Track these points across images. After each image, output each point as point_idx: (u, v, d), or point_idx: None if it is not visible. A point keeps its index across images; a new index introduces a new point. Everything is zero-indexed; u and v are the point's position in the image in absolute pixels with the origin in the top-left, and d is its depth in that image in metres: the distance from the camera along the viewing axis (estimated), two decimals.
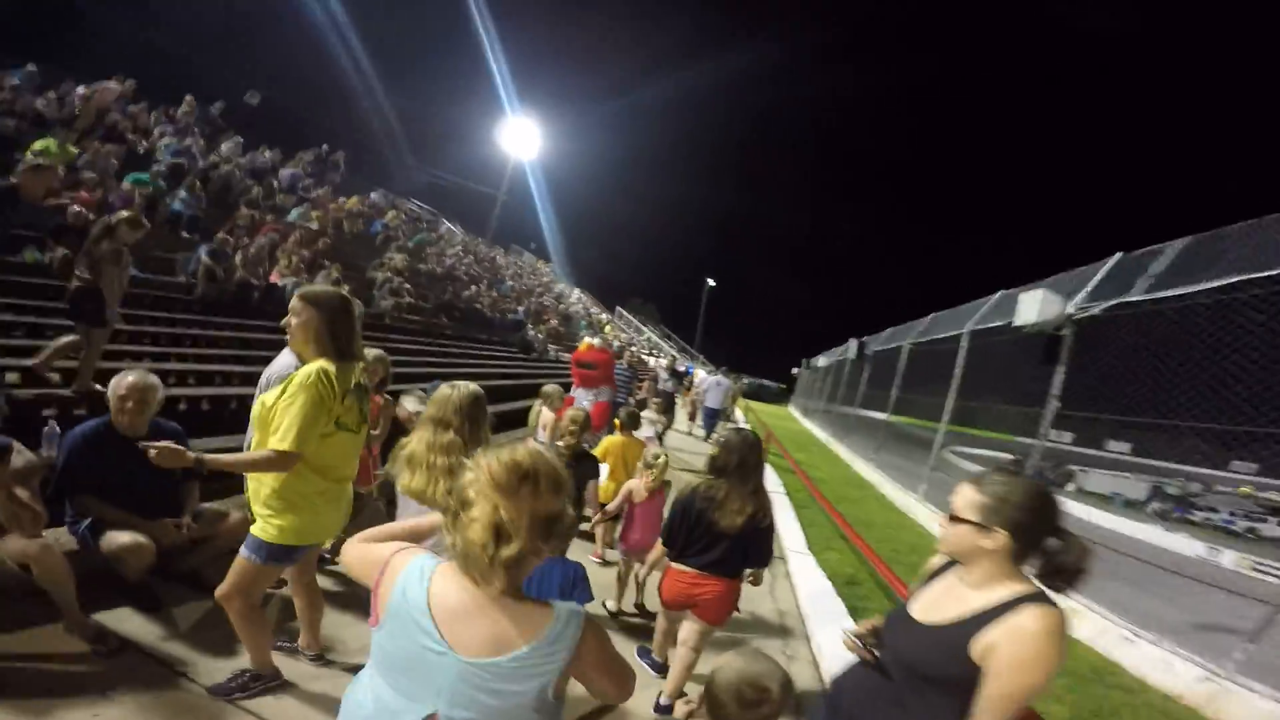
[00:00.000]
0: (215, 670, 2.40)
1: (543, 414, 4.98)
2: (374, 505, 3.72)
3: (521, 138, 28.90)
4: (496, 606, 1.06)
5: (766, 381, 49.41)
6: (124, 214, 5.17)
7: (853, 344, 14.81)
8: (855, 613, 4.31)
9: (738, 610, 3.10)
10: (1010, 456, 12.75)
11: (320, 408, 2.09)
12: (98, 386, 4.47)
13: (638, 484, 4.05)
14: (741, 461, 2.73)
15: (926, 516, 8.13)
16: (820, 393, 22.80)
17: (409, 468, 2.34)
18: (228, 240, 8.70)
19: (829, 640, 3.72)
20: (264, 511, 2.15)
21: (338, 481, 2.29)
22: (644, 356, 30.71)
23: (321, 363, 2.16)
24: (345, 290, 2.75)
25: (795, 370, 34.61)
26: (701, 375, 26.60)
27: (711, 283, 49.61)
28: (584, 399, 6.65)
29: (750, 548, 2.74)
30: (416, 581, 1.09)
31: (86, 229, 7.33)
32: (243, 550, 2.16)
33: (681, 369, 28.77)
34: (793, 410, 33.10)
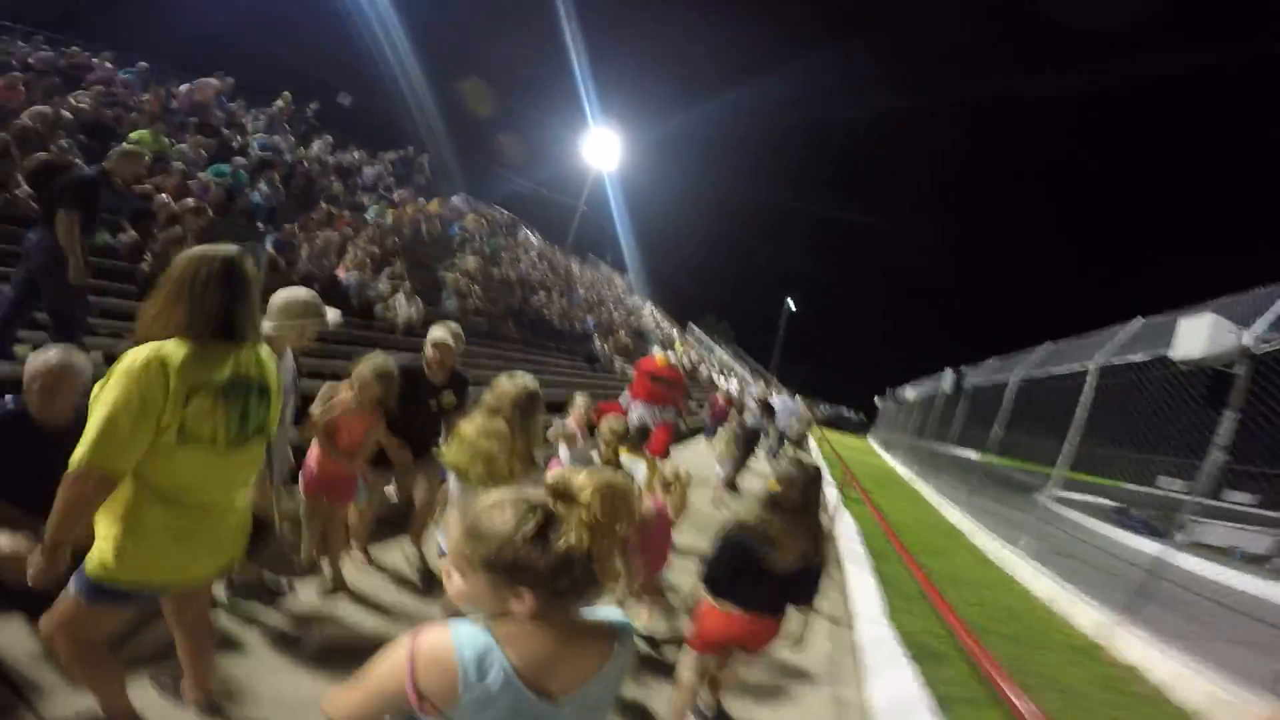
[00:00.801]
0: (70, 706, 1.90)
1: (566, 425, 4.34)
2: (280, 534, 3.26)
3: (603, 149, 28.96)
4: (569, 637, 1.05)
5: (845, 410, 47.11)
6: (190, 202, 5.35)
7: (948, 375, 13.40)
8: (946, 708, 3.38)
9: None
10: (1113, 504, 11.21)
11: (139, 410, 1.48)
12: None
13: (652, 507, 3.42)
14: (804, 499, 2.57)
15: (1028, 574, 6.89)
16: (905, 426, 21.11)
17: (457, 443, 2.66)
18: (295, 233, 8.76)
19: None
20: (99, 535, 1.58)
21: (198, 510, 1.67)
22: (714, 376, 29.88)
23: (159, 346, 1.55)
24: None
25: (878, 400, 32.59)
26: (775, 400, 25.56)
27: (791, 305, 48.01)
28: (647, 416, 5.99)
29: (798, 587, 2.60)
30: (488, 658, 0.98)
31: (155, 216, 7.59)
32: (70, 582, 1.60)
33: (774, 400, 27.67)
34: (872, 443, 31.08)
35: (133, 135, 8.89)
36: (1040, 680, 4.20)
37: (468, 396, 3.72)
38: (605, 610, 1.11)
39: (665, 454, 6.04)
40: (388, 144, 16.52)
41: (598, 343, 15.93)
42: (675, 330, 33.94)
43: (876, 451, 26.56)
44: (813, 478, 2.64)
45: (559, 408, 8.77)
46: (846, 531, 7.36)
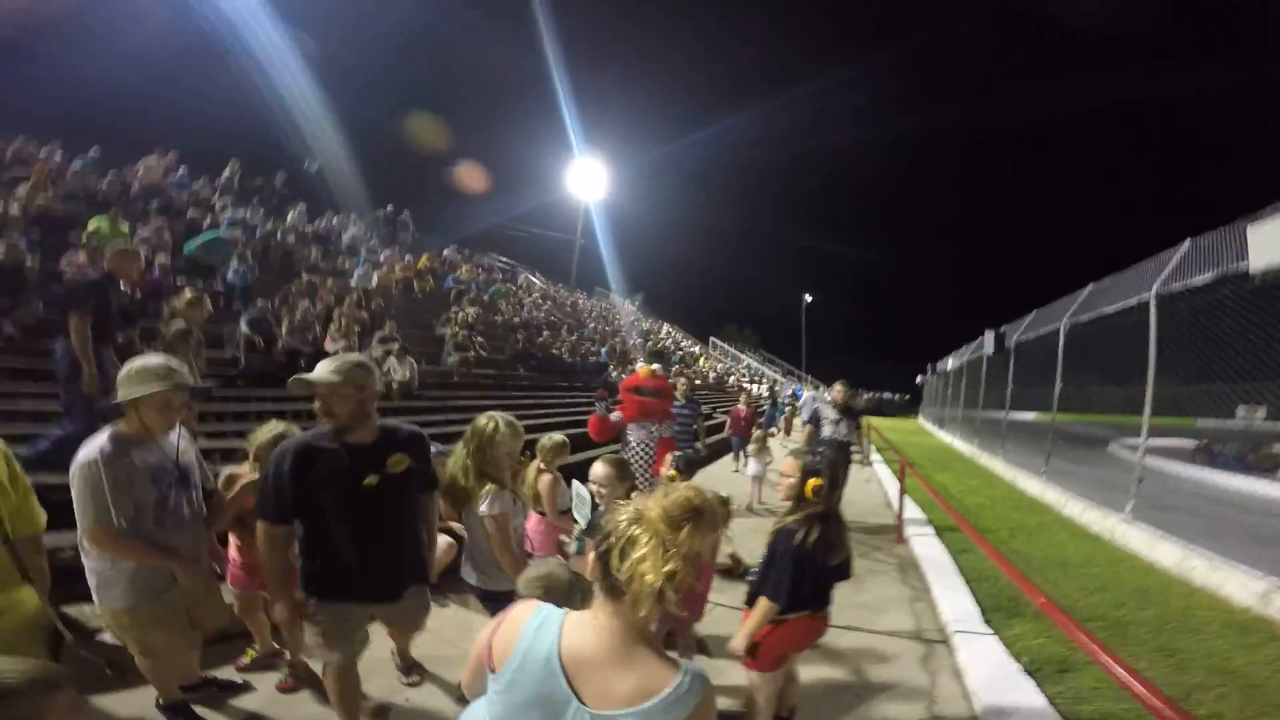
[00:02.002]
0: None
1: (541, 479, 3.63)
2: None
3: (590, 180, 28.71)
4: (630, 656, 1.06)
5: (887, 394, 45.59)
6: (187, 295, 5.19)
7: (988, 336, 12.33)
8: None
9: None
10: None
11: None
12: None
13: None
14: (834, 483, 2.51)
15: (1144, 543, 5.86)
16: (954, 399, 19.86)
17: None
18: (267, 309, 8.33)
19: None
20: None
21: None
22: (744, 384, 28.92)
23: None
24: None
25: (920, 378, 31.18)
26: (809, 396, 24.46)
27: (808, 298, 46.91)
28: (637, 436, 5.34)
29: (841, 568, 2.56)
30: (547, 630, 1.12)
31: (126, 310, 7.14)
32: None
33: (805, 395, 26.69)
34: (923, 422, 29.60)
35: (90, 225, 8.36)
36: (1211, 675, 3.27)
37: (428, 452, 2.58)
38: (691, 664, 1.08)
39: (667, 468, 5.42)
40: (365, 206, 16.29)
41: (614, 372, 15.25)
42: (696, 346, 33.17)
43: (929, 430, 25.21)
44: (836, 459, 2.64)
45: (588, 443, 8.12)
46: (917, 531, 6.43)
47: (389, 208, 16.54)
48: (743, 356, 38.24)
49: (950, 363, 20.26)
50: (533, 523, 3.57)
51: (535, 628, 1.11)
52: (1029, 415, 11.39)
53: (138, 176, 10.83)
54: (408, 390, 8.69)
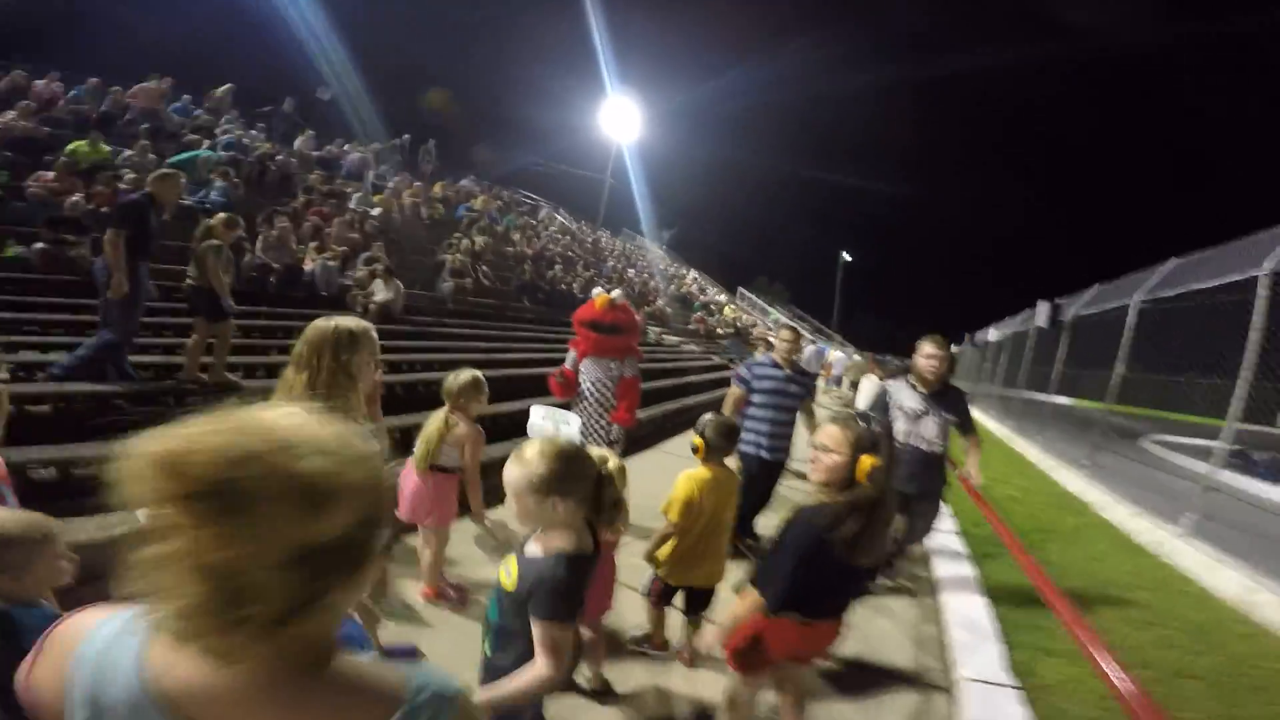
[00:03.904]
0: None
1: (456, 426, 2.89)
2: None
3: (624, 119, 27.06)
4: (278, 692, 0.61)
5: None
6: (221, 215, 5.40)
7: (1041, 308, 11.04)
8: None
9: None
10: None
11: None
12: (231, 377, 5.14)
13: None
14: (892, 461, 1.90)
15: (1201, 564, 4.94)
16: (992, 374, 18.58)
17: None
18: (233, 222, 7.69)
19: None
20: None
21: None
22: (769, 338, 27.81)
23: None
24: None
25: (955, 348, 29.54)
26: (838, 355, 23.32)
27: (847, 256, 44.79)
28: (593, 374, 4.31)
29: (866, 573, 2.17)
30: (116, 658, 0.63)
31: (80, 220, 6.64)
32: None
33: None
34: None
35: (69, 146, 8.12)
36: None
37: None
38: (422, 676, 0.67)
39: (632, 422, 4.43)
40: (383, 136, 15.43)
41: None
42: (722, 295, 31.97)
43: None
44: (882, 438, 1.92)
45: None
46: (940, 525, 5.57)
47: (405, 136, 15.67)
48: (771, 310, 36.89)
49: (992, 334, 18.86)
50: (412, 482, 2.84)
51: (97, 656, 0.63)
52: (1064, 400, 10.42)
53: (133, 101, 10.44)
54: (388, 313, 8.02)
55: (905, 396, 3.80)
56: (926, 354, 3.73)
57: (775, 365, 4.29)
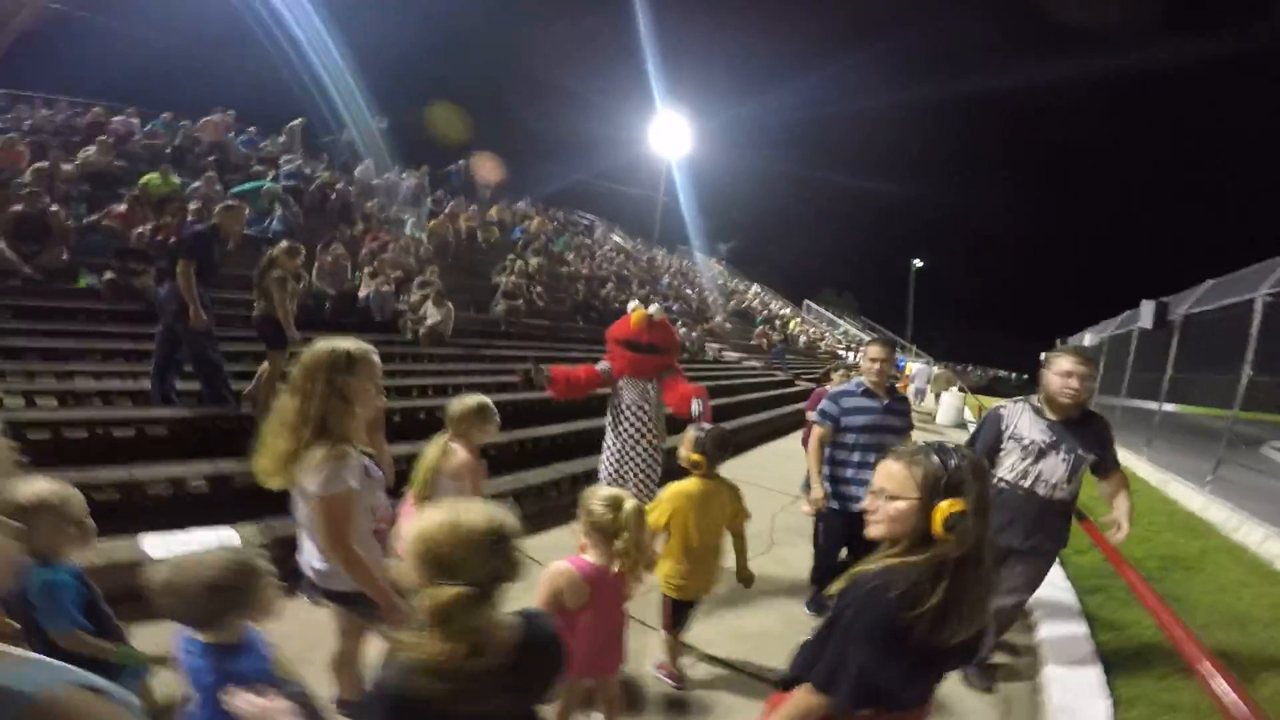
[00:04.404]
0: None
1: (454, 455, 2.59)
2: None
3: (675, 135, 26.98)
4: None
5: (1000, 372, 41.50)
6: (283, 245, 5.52)
7: (1146, 307, 9.88)
8: None
9: None
10: None
11: None
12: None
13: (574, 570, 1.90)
14: (982, 507, 1.34)
15: None
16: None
17: None
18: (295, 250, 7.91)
19: None
20: None
21: None
22: (837, 350, 26.69)
23: None
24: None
25: (1045, 356, 27.45)
26: (916, 367, 22.04)
27: (918, 263, 42.71)
28: (629, 397, 3.88)
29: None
30: None
31: (146, 251, 6.99)
32: None
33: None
34: None
35: (142, 179, 8.62)
36: None
37: None
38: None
39: (697, 394, 3.77)
40: (442, 162, 15.90)
41: (682, 329, 14.05)
42: (787, 308, 31.07)
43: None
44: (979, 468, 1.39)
45: None
46: None
47: (461, 162, 16.07)
48: (840, 321, 35.59)
49: (1087, 338, 17.32)
50: (408, 509, 2.59)
51: None
52: (1173, 407, 9.41)
53: (202, 135, 11.08)
54: (438, 336, 8.01)
55: (1027, 425, 2.85)
56: (1063, 370, 2.74)
57: (869, 393, 3.45)
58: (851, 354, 27.19)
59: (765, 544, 4.59)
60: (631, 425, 3.86)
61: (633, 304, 4.06)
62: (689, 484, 2.74)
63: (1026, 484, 2.78)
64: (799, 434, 10.61)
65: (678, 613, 2.79)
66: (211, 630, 1.34)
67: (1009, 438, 2.87)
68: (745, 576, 2.86)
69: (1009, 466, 2.83)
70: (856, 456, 3.41)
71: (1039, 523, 2.80)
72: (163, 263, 5.99)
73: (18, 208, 6.66)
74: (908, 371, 23.56)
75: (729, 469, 6.92)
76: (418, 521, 1.11)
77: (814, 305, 35.96)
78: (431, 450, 2.59)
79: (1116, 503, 2.84)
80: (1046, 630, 3.62)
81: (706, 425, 2.96)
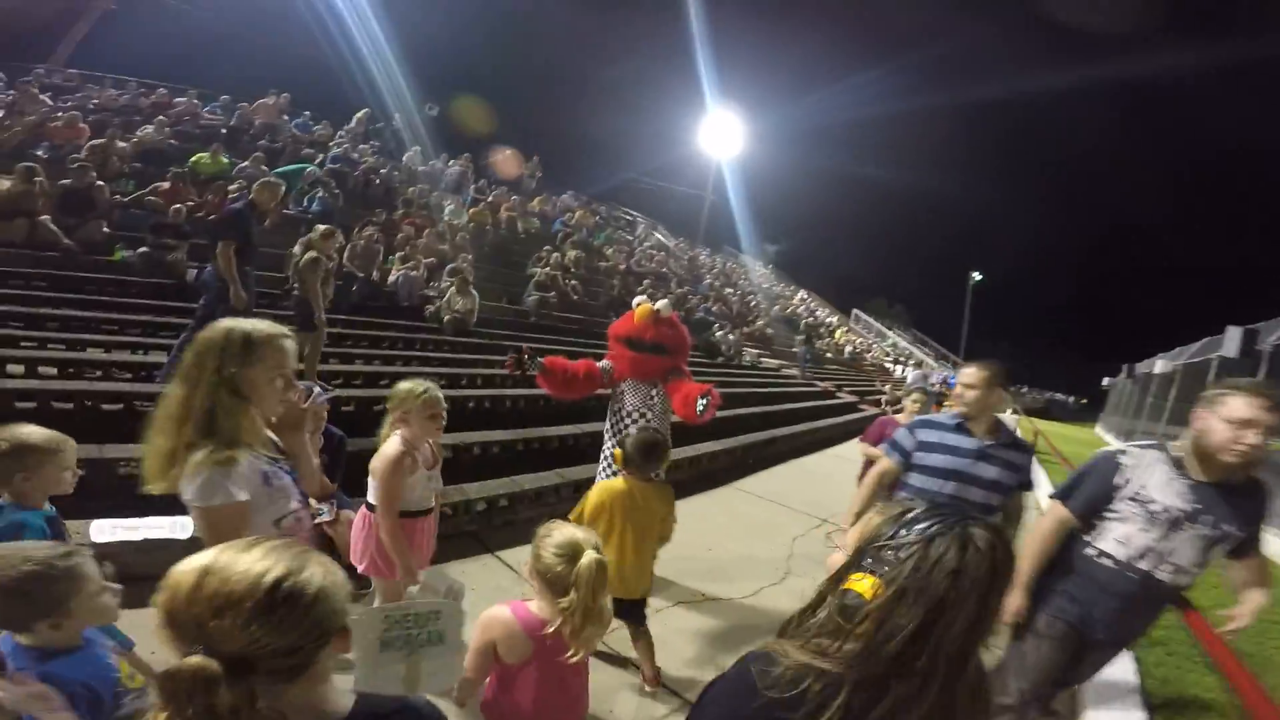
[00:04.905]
0: None
1: (393, 437, 2.29)
2: None
3: (725, 134, 26.37)
4: None
5: (1058, 395, 39.41)
6: (320, 227, 5.70)
7: (1232, 335, 8.98)
8: None
9: None
10: None
11: None
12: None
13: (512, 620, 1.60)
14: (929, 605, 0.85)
15: None
16: (1154, 411, 15.82)
17: None
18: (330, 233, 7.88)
19: None
20: None
21: None
22: (885, 363, 25.68)
23: None
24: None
25: (1107, 381, 25.85)
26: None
27: (977, 276, 40.90)
28: (631, 402, 3.46)
29: None
30: None
31: (180, 227, 7.05)
32: None
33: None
34: (1102, 433, 24.60)
35: (192, 158, 8.78)
36: None
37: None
38: None
39: (700, 412, 3.30)
40: (494, 150, 15.90)
41: (720, 332, 13.61)
42: (834, 317, 30.12)
43: (1109, 444, 20.62)
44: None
45: None
46: None
47: (507, 151, 16.03)
48: (889, 333, 34.31)
49: (1159, 365, 16.10)
50: (357, 523, 2.30)
51: None
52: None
53: (255, 117, 11.32)
54: (462, 325, 7.85)
55: (1160, 484, 2.06)
56: (1241, 417, 1.88)
57: (960, 427, 2.56)
58: (900, 367, 26.10)
59: (779, 572, 4.19)
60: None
61: (639, 298, 3.70)
62: (617, 481, 2.65)
63: (1143, 565, 2.02)
64: (836, 450, 10.09)
65: None
66: (24, 633, 1.27)
67: (1129, 497, 2.07)
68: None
69: (1121, 537, 2.06)
70: None
71: (1138, 611, 2.14)
72: (201, 240, 6.09)
73: (66, 182, 6.81)
74: (958, 390, 22.46)
75: (757, 484, 6.43)
76: (177, 567, 0.81)
77: (863, 315, 34.79)
78: (383, 440, 2.32)
79: (1248, 595, 2.07)
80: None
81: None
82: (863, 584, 0.87)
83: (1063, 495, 2.20)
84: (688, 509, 5.23)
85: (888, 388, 19.50)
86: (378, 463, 2.21)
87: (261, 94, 11.79)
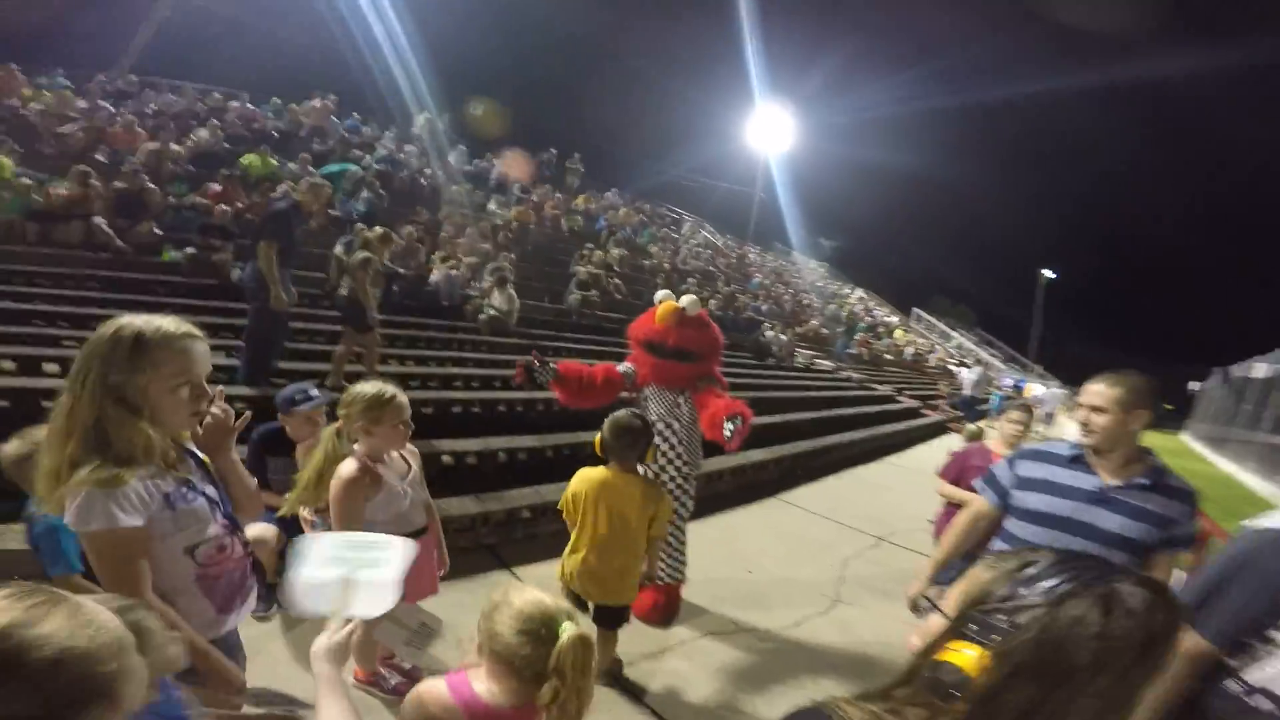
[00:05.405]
0: None
1: (338, 467, 2.00)
2: None
3: (775, 129, 25.61)
4: None
5: None
6: (376, 230, 5.77)
7: None
8: None
9: None
10: None
11: None
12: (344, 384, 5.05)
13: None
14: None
15: None
16: (1253, 417, 14.39)
17: None
18: (363, 230, 7.84)
19: None
20: None
21: None
22: (949, 365, 24.36)
23: None
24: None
25: (1194, 385, 23.85)
26: (1041, 392, 19.61)
27: (1049, 274, 38.51)
28: (656, 411, 3.09)
29: None
30: None
31: (226, 227, 7.14)
32: None
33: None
34: (1189, 441, 22.68)
35: (243, 160, 8.95)
36: None
37: None
38: None
39: (728, 437, 2.78)
40: (534, 149, 15.85)
41: (770, 331, 13.06)
42: (893, 316, 28.90)
43: (1199, 453, 19.04)
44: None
45: None
46: None
47: (552, 151, 15.92)
48: (953, 334, 32.69)
49: (1259, 369, 14.66)
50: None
51: None
52: None
53: (304, 119, 11.57)
54: (501, 325, 7.68)
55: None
56: None
57: (1078, 461, 1.92)
58: (965, 369, 24.65)
59: (827, 599, 3.71)
60: (656, 447, 3.08)
61: (661, 293, 3.25)
62: (595, 470, 2.44)
63: None
64: (895, 459, 9.41)
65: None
66: None
67: None
68: (650, 575, 2.61)
69: None
70: None
71: None
72: (245, 240, 6.12)
73: (119, 185, 6.99)
74: (1027, 394, 21.11)
75: (807, 496, 5.85)
76: None
77: (924, 314, 33.27)
78: (319, 451, 2.05)
79: None
80: None
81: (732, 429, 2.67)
82: (965, 656, 0.69)
83: (1197, 619, 1.42)
84: (726, 524, 4.85)
85: (946, 388, 18.43)
86: (333, 486, 1.94)
87: (308, 97, 12.09)
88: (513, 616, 1.15)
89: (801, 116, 27.53)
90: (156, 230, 6.87)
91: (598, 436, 2.44)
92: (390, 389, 2.00)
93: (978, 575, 0.77)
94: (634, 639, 2.83)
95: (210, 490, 1.41)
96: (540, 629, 1.13)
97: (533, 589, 1.21)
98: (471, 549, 3.52)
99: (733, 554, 4.13)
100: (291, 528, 2.38)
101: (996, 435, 3.66)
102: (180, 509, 1.31)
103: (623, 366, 3.24)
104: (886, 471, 8.11)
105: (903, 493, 6.78)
